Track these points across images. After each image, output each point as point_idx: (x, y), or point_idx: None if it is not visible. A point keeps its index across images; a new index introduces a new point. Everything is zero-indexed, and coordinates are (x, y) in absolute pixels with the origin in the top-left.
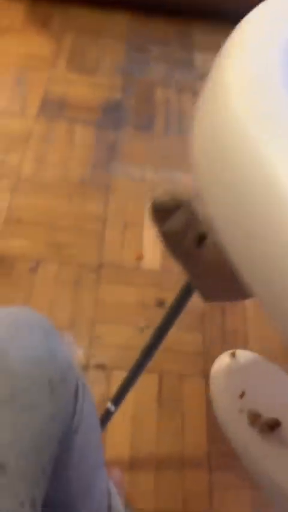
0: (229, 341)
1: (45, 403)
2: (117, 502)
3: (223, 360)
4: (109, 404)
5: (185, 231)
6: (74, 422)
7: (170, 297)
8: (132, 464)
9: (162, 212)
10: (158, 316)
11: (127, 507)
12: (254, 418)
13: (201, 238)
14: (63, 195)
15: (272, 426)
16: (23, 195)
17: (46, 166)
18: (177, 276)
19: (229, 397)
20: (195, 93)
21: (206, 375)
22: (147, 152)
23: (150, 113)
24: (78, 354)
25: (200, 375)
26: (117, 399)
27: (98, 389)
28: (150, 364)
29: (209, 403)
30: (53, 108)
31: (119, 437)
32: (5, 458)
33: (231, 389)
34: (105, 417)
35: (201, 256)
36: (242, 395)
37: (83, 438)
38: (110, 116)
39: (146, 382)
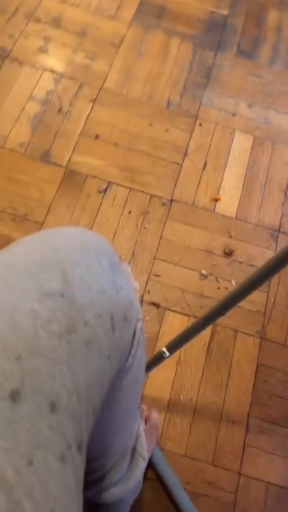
0: None
1: (105, 340)
2: (143, 447)
3: None
4: (164, 349)
5: None
6: (125, 366)
7: (240, 248)
8: (171, 407)
9: None
10: (223, 265)
11: (157, 447)
12: None
13: None
14: (145, 117)
15: None
16: (103, 108)
17: (133, 81)
18: (253, 226)
19: None
20: None
21: (262, 336)
22: (246, 83)
23: (257, 38)
24: (135, 288)
25: (257, 335)
26: (174, 347)
27: (149, 326)
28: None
29: (260, 366)
30: (151, 14)
31: (162, 378)
32: (57, 395)
33: None
34: (156, 360)
35: None
36: None
37: (127, 383)
38: (212, 34)
39: None
